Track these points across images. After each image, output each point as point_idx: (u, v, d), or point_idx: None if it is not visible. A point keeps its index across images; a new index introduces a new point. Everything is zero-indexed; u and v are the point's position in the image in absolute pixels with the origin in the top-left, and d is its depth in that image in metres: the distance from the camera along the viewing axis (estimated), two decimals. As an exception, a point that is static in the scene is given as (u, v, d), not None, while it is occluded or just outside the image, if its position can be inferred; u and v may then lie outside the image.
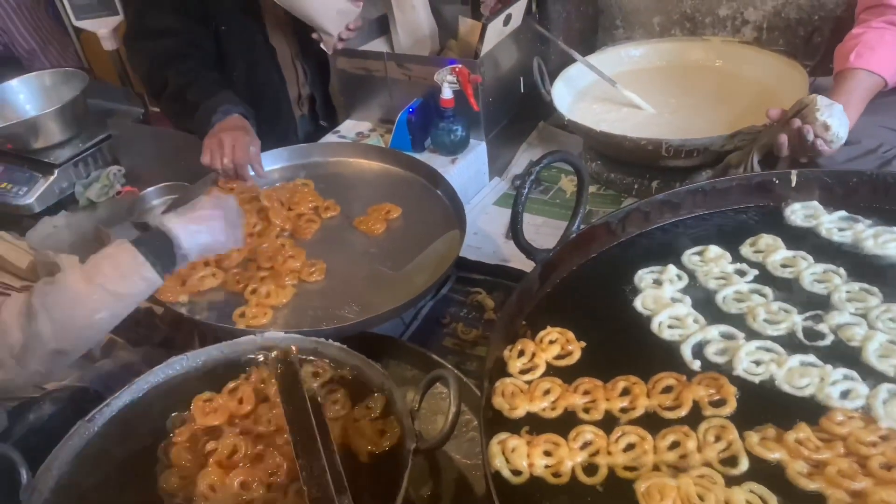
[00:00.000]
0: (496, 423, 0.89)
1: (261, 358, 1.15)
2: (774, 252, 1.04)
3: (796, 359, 0.87)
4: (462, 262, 1.54)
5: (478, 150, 1.78)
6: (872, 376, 0.85)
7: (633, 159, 1.69)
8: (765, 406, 0.84)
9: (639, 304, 1.00)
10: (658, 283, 1.04)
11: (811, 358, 0.87)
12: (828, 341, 0.91)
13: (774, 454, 0.77)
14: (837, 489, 0.73)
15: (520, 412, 0.90)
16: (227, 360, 1.17)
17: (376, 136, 1.93)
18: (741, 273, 1.04)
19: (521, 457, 0.82)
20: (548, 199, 1.79)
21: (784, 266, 1.03)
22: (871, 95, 1.44)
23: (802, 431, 0.79)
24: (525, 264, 1.53)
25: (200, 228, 1.17)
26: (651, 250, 1.09)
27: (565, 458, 0.82)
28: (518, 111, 1.92)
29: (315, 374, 1.08)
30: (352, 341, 1.15)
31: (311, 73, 2.08)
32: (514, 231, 1.00)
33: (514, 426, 0.88)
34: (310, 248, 1.45)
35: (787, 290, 1.00)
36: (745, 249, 1.07)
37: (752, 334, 0.94)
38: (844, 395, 0.82)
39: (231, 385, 1.08)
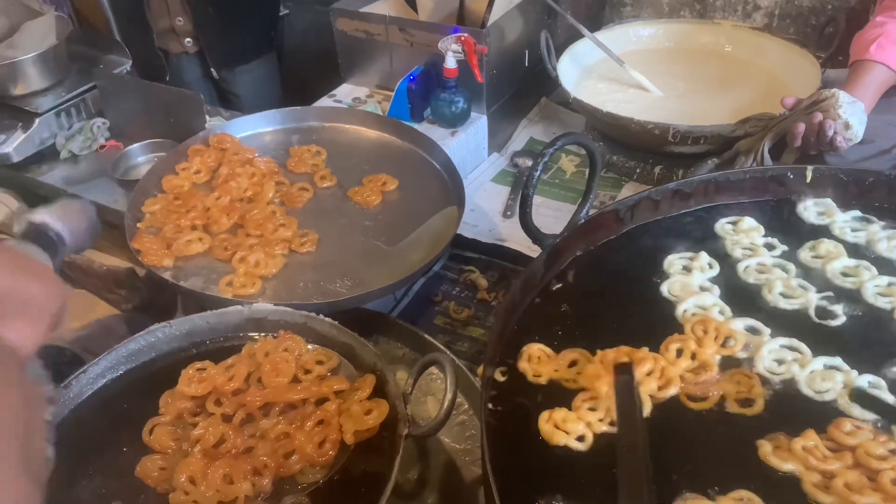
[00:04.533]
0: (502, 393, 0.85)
1: (256, 336, 1.11)
2: (835, 259, 0.99)
3: (820, 361, 0.84)
4: (457, 239, 1.49)
5: (478, 124, 1.73)
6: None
7: (637, 143, 1.65)
8: (788, 408, 0.81)
9: (665, 289, 0.98)
10: (688, 269, 1.00)
11: (837, 361, 0.84)
12: (839, 322, 0.91)
13: (788, 465, 0.74)
14: None
15: (543, 380, 0.86)
16: (214, 330, 1.12)
17: (374, 103, 1.86)
18: (770, 247, 1.03)
19: (576, 423, 0.79)
20: (547, 178, 1.75)
21: (845, 275, 0.98)
22: (884, 90, 1.41)
23: (810, 439, 0.76)
24: (522, 245, 1.50)
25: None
26: (660, 241, 1.06)
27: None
28: (521, 86, 1.86)
29: (319, 363, 1.04)
30: (341, 316, 1.11)
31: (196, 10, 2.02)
32: (523, 214, 0.96)
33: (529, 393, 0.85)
34: (302, 218, 1.40)
35: (851, 301, 0.95)
36: (804, 254, 1.02)
37: (767, 310, 0.94)
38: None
39: (229, 361, 1.03)
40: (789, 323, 0.92)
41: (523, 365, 0.88)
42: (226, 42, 2.20)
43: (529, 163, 1.77)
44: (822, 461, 0.73)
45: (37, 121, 1.71)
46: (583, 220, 1.01)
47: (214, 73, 2.25)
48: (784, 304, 0.94)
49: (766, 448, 0.75)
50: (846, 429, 0.77)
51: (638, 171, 1.68)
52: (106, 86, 1.76)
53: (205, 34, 2.16)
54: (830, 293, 0.95)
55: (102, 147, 1.77)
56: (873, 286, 0.95)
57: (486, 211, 1.66)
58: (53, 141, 1.75)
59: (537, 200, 1.68)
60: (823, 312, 0.93)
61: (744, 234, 1.05)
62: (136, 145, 1.70)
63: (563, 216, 1.57)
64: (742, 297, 0.97)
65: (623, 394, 0.76)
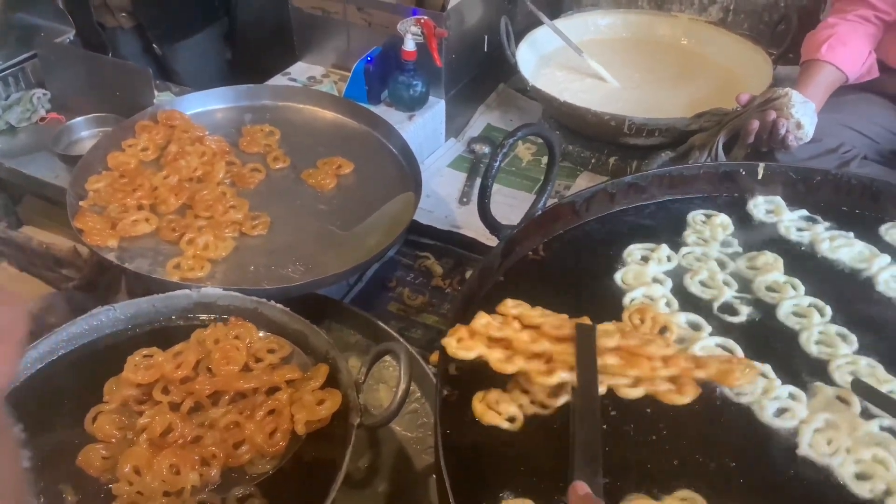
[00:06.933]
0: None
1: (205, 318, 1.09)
2: (769, 272, 0.97)
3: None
4: (413, 225, 1.48)
5: (436, 109, 1.71)
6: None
7: (593, 133, 1.66)
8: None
9: (619, 277, 0.98)
10: (645, 259, 1.01)
11: (766, 368, 0.84)
12: (741, 318, 0.92)
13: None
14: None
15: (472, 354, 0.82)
16: (160, 315, 1.09)
17: (329, 83, 1.82)
18: (726, 244, 1.04)
19: (508, 404, 0.79)
20: (504, 166, 1.73)
21: (769, 290, 0.96)
22: (833, 90, 1.45)
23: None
24: (477, 232, 1.49)
25: None
26: (616, 234, 1.06)
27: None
28: (479, 71, 1.85)
29: (271, 351, 1.02)
30: (293, 302, 1.09)
31: None
32: (482, 205, 0.95)
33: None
34: (253, 200, 1.36)
35: (768, 316, 0.93)
36: (741, 262, 1.01)
37: (684, 294, 0.95)
38: (780, 413, 0.79)
39: (177, 348, 1.00)
40: (693, 308, 0.93)
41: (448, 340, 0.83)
42: (166, 14, 2.10)
43: (486, 149, 1.77)
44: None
45: (-30, 90, 1.62)
46: (540, 212, 1.01)
47: (157, 49, 2.16)
48: (695, 290, 0.96)
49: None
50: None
51: (593, 161, 1.70)
52: (47, 55, 1.68)
53: (144, 7, 2.06)
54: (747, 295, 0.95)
55: (43, 119, 1.69)
56: (791, 304, 0.94)
57: (442, 197, 1.65)
58: (-11, 111, 1.66)
59: (493, 188, 1.67)
60: (729, 308, 0.93)
61: (709, 226, 1.06)
62: (79, 119, 1.63)
63: (518, 204, 1.58)
64: (683, 288, 0.98)
65: (583, 352, 0.76)
